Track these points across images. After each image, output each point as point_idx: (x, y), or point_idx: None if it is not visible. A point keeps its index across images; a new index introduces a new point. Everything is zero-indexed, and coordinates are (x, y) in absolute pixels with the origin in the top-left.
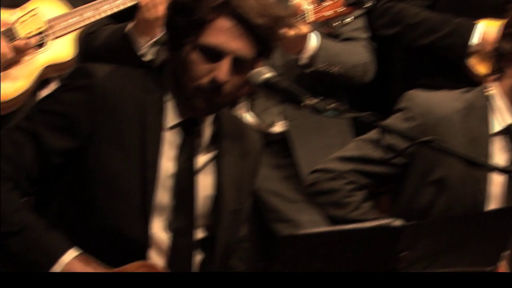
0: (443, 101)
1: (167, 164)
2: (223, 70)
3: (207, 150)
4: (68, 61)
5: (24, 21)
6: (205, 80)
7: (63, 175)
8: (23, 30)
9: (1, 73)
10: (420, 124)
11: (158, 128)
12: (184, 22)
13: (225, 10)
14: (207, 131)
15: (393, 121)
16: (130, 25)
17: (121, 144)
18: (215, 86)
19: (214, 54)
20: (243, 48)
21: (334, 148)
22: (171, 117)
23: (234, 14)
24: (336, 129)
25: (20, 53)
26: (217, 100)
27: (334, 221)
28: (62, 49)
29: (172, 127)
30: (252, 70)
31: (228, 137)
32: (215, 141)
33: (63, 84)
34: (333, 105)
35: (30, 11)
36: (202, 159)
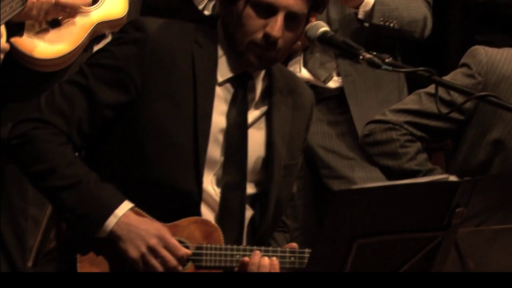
0: (507, 59)
1: (219, 118)
2: (276, 25)
3: (259, 104)
4: (121, 18)
5: None
6: (258, 36)
7: (114, 129)
8: None
9: (55, 29)
10: (481, 82)
11: (210, 82)
12: None
13: None
14: (259, 86)
15: (454, 76)
16: None
17: (173, 97)
18: (269, 41)
19: (267, 10)
20: (296, 3)
21: (390, 104)
22: (223, 72)
23: None
24: (392, 86)
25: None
26: (270, 55)
27: (389, 171)
28: (114, 6)
29: (224, 82)
30: (305, 25)
31: (280, 91)
32: (267, 96)
33: (116, 38)
34: (390, 59)
35: None
36: (253, 114)
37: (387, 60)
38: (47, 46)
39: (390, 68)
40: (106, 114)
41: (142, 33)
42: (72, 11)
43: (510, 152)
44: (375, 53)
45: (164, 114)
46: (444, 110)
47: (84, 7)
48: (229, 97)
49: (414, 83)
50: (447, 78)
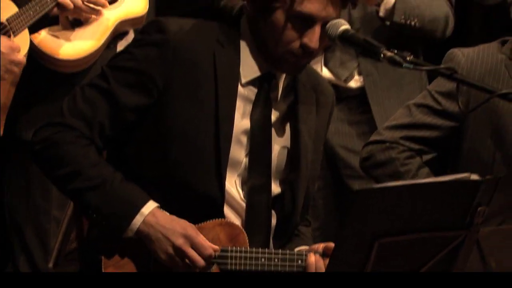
0: (484, 54)
1: (242, 119)
2: (315, 37)
3: (282, 102)
4: (142, 15)
5: None
6: (295, 45)
7: (136, 132)
8: None
9: (75, 29)
10: None
11: (232, 82)
12: None
13: None
14: (281, 84)
15: (439, 82)
16: None
17: (196, 98)
18: (306, 51)
19: (305, 21)
20: (333, 12)
21: None
22: (246, 72)
23: None
24: (414, 85)
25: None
26: (304, 62)
27: None
28: (135, 3)
29: (247, 82)
30: None
31: (304, 87)
32: (291, 92)
33: (136, 39)
34: (411, 57)
35: None
36: (277, 112)
37: (408, 58)
38: (70, 47)
39: (411, 66)
40: (128, 117)
41: (163, 35)
42: (94, 11)
43: (510, 146)
44: (396, 51)
45: (186, 116)
46: (435, 119)
47: (104, 6)
48: (252, 97)
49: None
50: (433, 84)
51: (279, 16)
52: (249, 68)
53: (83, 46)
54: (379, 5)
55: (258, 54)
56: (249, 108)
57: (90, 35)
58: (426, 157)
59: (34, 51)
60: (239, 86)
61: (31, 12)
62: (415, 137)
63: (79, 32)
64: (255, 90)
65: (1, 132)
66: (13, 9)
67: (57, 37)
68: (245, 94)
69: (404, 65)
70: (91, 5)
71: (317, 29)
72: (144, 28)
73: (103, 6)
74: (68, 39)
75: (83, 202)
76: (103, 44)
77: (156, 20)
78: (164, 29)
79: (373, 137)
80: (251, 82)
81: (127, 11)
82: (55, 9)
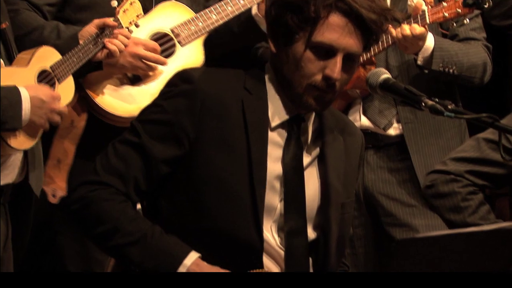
0: None
1: (274, 164)
2: (336, 68)
3: (312, 146)
4: (200, 66)
5: (126, 10)
6: (317, 78)
7: (171, 182)
8: (125, 20)
9: (137, 86)
10: None
11: (262, 128)
12: (295, 20)
13: (338, 6)
14: (310, 127)
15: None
16: (254, 8)
17: (227, 146)
18: (328, 83)
19: (327, 52)
20: (354, 44)
21: (452, 150)
22: (275, 116)
23: (347, 10)
24: (453, 131)
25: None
26: (328, 97)
27: (451, 224)
28: (191, 55)
29: (276, 126)
30: (357, 64)
31: (331, 131)
32: (319, 136)
33: (164, 91)
34: (452, 105)
35: None
36: (307, 156)
37: (449, 107)
38: (129, 103)
39: (452, 115)
40: (162, 170)
41: (190, 85)
42: (151, 67)
43: None
44: (437, 99)
45: (219, 164)
46: (504, 155)
47: (164, 63)
48: (282, 141)
49: (475, 128)
50: (505, 119)
51: (300, 48)
52: (277, 112)
53: (144, 102)
54: (417, 53)
55: (285, 97)
56: (279, 152)
57: (151, 91)
58: None
59: (93, 108)
60: (269, 131)
61: (75, 59)
62: (480, 172)
63: (139, 88)
64: (284, 134)
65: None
66: (56, 56)
67: (117, 94)
68: (274, 139)
69: (445, 113)
70: (150, 63)
71: (338, 60)
72: (171, 80)
73: (162, 64)
74: (129, 96)
75: (124, 258)
76: None
77: (183, 71)
78: (191, 79)
79: (438, 167)
80: (280, 126)
81: (184, 64)
82: (99, 55)
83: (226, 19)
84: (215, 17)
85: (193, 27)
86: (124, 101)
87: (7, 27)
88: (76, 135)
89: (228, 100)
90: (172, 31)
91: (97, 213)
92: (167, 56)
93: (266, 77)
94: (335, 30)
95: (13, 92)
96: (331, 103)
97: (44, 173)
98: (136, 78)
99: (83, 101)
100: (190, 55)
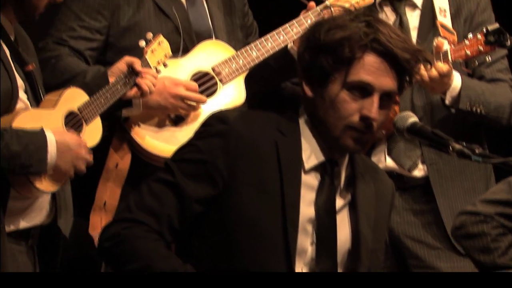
0: None
1: (307, 208)
2: (374, 107)
3: (344, 191)
4: (241, 104)
5: (154, 50)
6: (355, 119)
7: (204, 222)
8: (153, 59)
9: (179, 127)
10: None
11: (296, 171)
12: (330, 61)
13: (373, 46)
14: (343, 172)
15: None
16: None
17: (260, 188)
18: (366, 123)
19: (363, 91)
20: (390, 83)
21: (477, 193)
22: (309, 159)
23: (381, 50)
24: (479, 174)
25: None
26: (365, 137)
27: (480, 266)
28: (233, 93)
29: (310, 169)
30: (393, 104)
31: (363, 177)
32: (351, 182)
33: (199, 131)
34: (480, 149)
35: (156, 38)
36: (339, 200)
37: (477, 151)
38: (173, 144)
39: (480, 159)
40: (195, 209)
41: (225, 125)
42: (193, 107)
43: None
44: (464, 143)
45: (252, 205)
46: None
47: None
48: (315, 184)
49: (502, 171)
50: None
51: (336, 89)
52: (311, 155)
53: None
54: (444, 93)
55: (319, 140)
56: (312, 195)
57: (193, 130)
58: None
59: (138, 151)
60: (303, 174)
61: (102, 100)
62: (510, 215)
63: (182, 128)
64: (318, 177)
65: None
66: (83, 97)
67: (161, 135)
68: (308, 181)
69: (473, 158)
70: (191, 103)
71: (375, 99)
72: (207, 121)
73: (203, 103)
74: (172, 137)
75: None
76: None
77: (218, 113)
78: (226, 120)
79: (468, 208)
80: (314, 169)
81: (226, 103)
82: (129, 93)
83: (266, 55)
84: (255, 54)
85: (234, 65)
86: (168, 142)
87: (34, 69)
88: (121, 177)
89: (262, 142)
90: (213, 69)
91: (130, 250)
92: (209, 95)
93: (300, 120)
94: (370, 70)
95: (40, 136)
96: (369, 144)
97: (90, 216)
98: (179, 119)
99: (127, 143)
100: (231, 93)
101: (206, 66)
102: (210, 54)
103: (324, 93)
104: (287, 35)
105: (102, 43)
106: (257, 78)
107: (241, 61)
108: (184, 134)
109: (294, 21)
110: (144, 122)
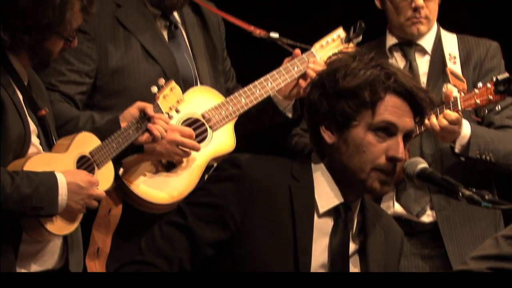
0: None
1: (319, 253)
2: (400, 147)
3: (355, 237)
4: (230, 152)
5: (166, 95)
6: (382, 160)
7: (215, 265)
8: (165, 105)
9: (171, 173)
10: None
11: (308, 216)
12: (352, 105)
13: (394, 88)
14: (355, 218)
15: None
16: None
17: (273, 231)
18: (394, 164)
19: (388, 132)
20: (411, 122)
21: (486, 238)
22: (322, 204)
23: (402, 90)
24: (488, 220)
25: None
26: (391, 178)
27: None
28: (223, 140)
29: (324, 214)
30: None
31: (373, 224)
32: (362, 229)
33: (213, 175)
34: (489, 195)
35: (168, 84)
36: (351, 245)
37: (486, 197)
38: (167, 190)
39: (490, 205)
40: (207, 252)
41: (238, 170)
42: (187, 153)
43: None
44: (474, 189)
45: (265, 249)
46: None
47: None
48: (328, 229)
49: (511, 216)
50: None
51: (360, 132)
52: (325, 199)
53: (179, 188)
54: (454, 141)
55: (333, 184)
56: (325, 239)
57: (186, 178)
58: None
59: (129, 196)
60: (316, 218)
61: (114, 145)
62: (501, 268)
63: (174, 175)
64: (331, 222)
65: None
66: (95, 142)
67: (153, 181)
68: (321, 226)
69: (483, 204)
70: (186, 149)
71: (400, 139)
72: (220, 165)
73: (197, 150)
74: (164, 183)
75: None
76: (196, 184)
77: (232, 156)
78: (240, 164)
79: (460, 267)
80: (328, 213)
81: (216, 149)
82: (141, 138)
83: (255, 102)
84: (244, 100)
85: (223, 112)
86: (160, 188)
87: (47, 114)
88: (113, 224)
89: (275, 187)
90: (203, 116)
91: None
92: (199, 141)
93: (312, 164)
94: (393, 110)
95: (50, 178)
96: (392, 185)
97: (86, 260)
98: (170, 165)
99: (119, 189)
100: (221, 140)
101: (196, 112)
102: (199, 100)
103: (347, 138)
104: (274, 82)
105: (91, 86)
106: (240, 124)
107: (230, 108)
108: (175, 180)
109: (281, 68)
110: (136, 168)
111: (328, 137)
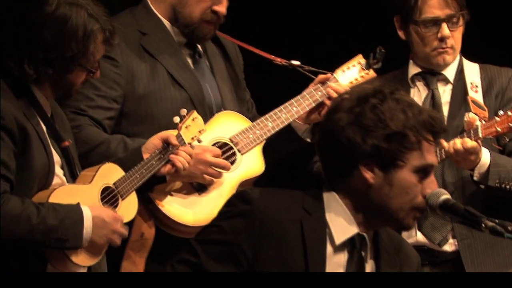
0: None
1: None
2: (435, 185)
3: (369, 265)
4: (260, 175)
5: (188, 126)
6: (419, 199)
7: None
8: (188, 135)
9: (202, 195)
10: None
11: (321, 248)
12: (400, 147)
13: (430, 128)
14: (369, 247)
15: None
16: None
17: (285, 267)
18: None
19: (426, 172)
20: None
21: (509, 267)
22: (339, 234)
23: (435, 129)
24: (510, 249)
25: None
26: (422, 213)
27: None
28: (252, 163)
29: (339, 246)
30: None
31: (387, 251)
32: (376, 257)
33: (223, 212)
34: None
35: (190, 114)
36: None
37: (509, 228)
38: (198, 213)
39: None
40: None
41: (249, 206)
42: (219, 173)
43: None
44: (497, 220)
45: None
46: None
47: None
48: (343, 261)
49: None
50: None
51: (406, 173)
52: (339, 232)
53: (211, 210)
54: (473, 169)
55: (349, 215)
56: (340, 271)
57: (216, 199)
58: None
59: (161, 220)
60: (331, 250)
61: (138, 175)
62: None
63: (205, 197)
64: (346, 253)
65: None
66: (119, 172)
67: (185, 204)
68: (335, 259)
69: (506, 235)
70: (218, 169)
71: (433, 177)
72: (230, 201)
73: (228, 169)
74: (195, 205)
75: None
76: None
77: (242, 192)
78: (250, 200)
79: None
80: (343, 245)
81: (246, 172)
82: (163, 169)
83: (281, 126)
84: (270, 124)
85: (251, 135)
86: (192, 210)
87: (70, 145)
88: (146, 248)
89: (287, 221)
90: (231, 140)
91: None
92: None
93: (325, 195)
94: (430, 151)
95: (76, 211)
96: None
97: None
98: (201, 187)
99: (151, 212)
100: (251, 163)
101: (224, 136)
102: (227, 124)
103: (391, 178)
104: (299, 107)
105: (118, 112)
106: None
107: (257, 132)
108: (206, 202)
109: (304, 93)
110: (168, 190)
111: (370, 177)
